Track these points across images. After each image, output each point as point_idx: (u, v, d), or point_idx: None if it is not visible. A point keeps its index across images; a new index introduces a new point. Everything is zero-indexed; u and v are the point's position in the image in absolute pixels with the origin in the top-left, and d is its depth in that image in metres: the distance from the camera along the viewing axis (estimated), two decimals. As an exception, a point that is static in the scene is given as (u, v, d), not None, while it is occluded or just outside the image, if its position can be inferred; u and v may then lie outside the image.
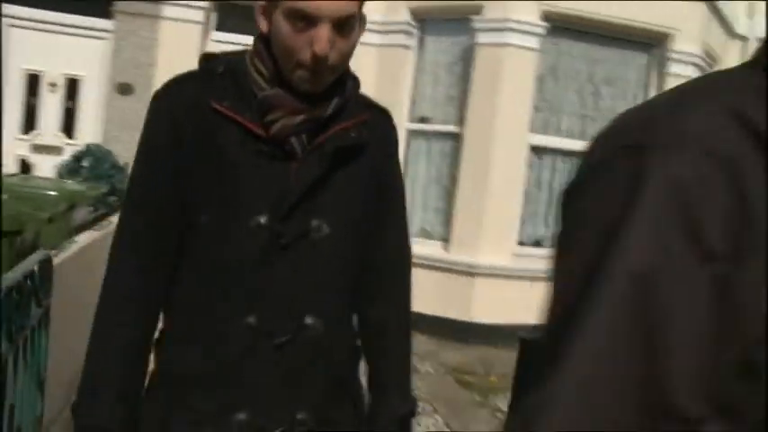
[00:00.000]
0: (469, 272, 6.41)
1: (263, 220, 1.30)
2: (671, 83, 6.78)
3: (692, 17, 6.85)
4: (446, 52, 6.82)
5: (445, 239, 6.65)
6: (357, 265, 1.45)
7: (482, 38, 6.40)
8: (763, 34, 7.10)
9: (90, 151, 5.82)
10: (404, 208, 1.56)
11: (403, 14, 6.78)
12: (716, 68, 7.65)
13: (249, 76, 1.32)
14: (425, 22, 6.90)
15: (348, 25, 1.26)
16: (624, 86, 6.97)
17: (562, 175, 6.92)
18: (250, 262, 1.31)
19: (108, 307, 1.33)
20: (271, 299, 1.32)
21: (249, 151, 1.30)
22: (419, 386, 4.83)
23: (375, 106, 1.50)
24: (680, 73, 6.83)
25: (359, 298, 1.48)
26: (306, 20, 1.22)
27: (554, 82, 6.73)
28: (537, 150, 6.70)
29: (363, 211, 1.43)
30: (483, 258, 6.39)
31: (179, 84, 1.37)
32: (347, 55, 1.30)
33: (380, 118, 1.49)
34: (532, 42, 6.35)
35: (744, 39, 7.94)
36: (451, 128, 6.72)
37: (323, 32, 1.22)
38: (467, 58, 6.62)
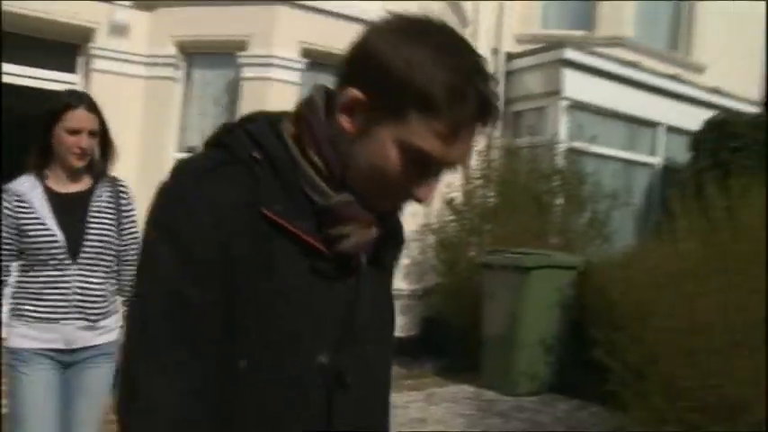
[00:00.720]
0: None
1: (324, 358, 1.06)
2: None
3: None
4: (213, 85, 7.13)
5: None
6: None
7: (247, 72, 6.81)
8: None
9: None
10: None
11: (169, 48, 6.96)
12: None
13: (299, 169, 1.05)
14: (192, 56, 7.16)
15: None
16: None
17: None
18: (309, 412, 1.06)
19: None
20: None
21: (305, 270, 1.03)
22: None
23: None
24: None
25: None
26: (426, 163, 1.02)
27: (315, 113, 7.32)
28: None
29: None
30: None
31: (214, 175, 1.02)
32: None
33: None
34: (294, 77, 6.89)
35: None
36: (221, 156, 7.02)
37: (435, 184, 1.07)
38: (233, 91, 6.99)
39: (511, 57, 9.32)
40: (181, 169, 1.05)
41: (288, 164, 1.04)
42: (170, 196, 1.02)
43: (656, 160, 9.89)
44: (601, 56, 9.01)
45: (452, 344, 6.99)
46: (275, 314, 1.01)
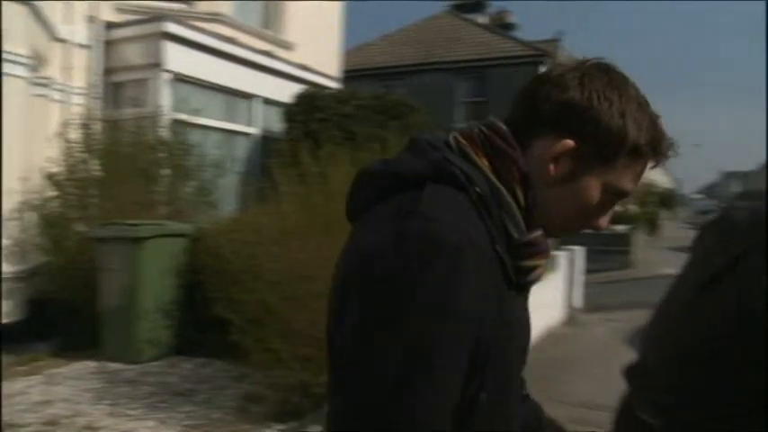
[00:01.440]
0: None
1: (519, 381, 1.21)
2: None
3: (16, 20, 7.28)
4: None
5: None
6: None
7: None
8: (80, 40, 8.07)
9: None
10: None
11: None
12: (45, 69, 8.29)
13: (504, 205, 1.09)
14: None
15: None
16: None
17: None
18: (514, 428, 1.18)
19: None
20: None
21: (511, 302, 1.09)
22: None
23: None
24: (11, 72, 7.23)
25: None
26: (619, 199, 1.15)
27: None
28: None
29: None
30: None
31: (469, 217, 1.04)
32: None
33: None
34: None
35: (64, 42, 8.72)
36: None
37: (613, 210, 1.19)
38: None
39: (110, 26, 9.11)
40: (433, 213, 1.00)
41: (495, 201, 1.08)
42: (434, 241, 0.97)
43: (254, 130, 10.61)
44: (201, 30, 9.31)
45: (67, 322, 6.77)
46: (507, 346, 1.07)
